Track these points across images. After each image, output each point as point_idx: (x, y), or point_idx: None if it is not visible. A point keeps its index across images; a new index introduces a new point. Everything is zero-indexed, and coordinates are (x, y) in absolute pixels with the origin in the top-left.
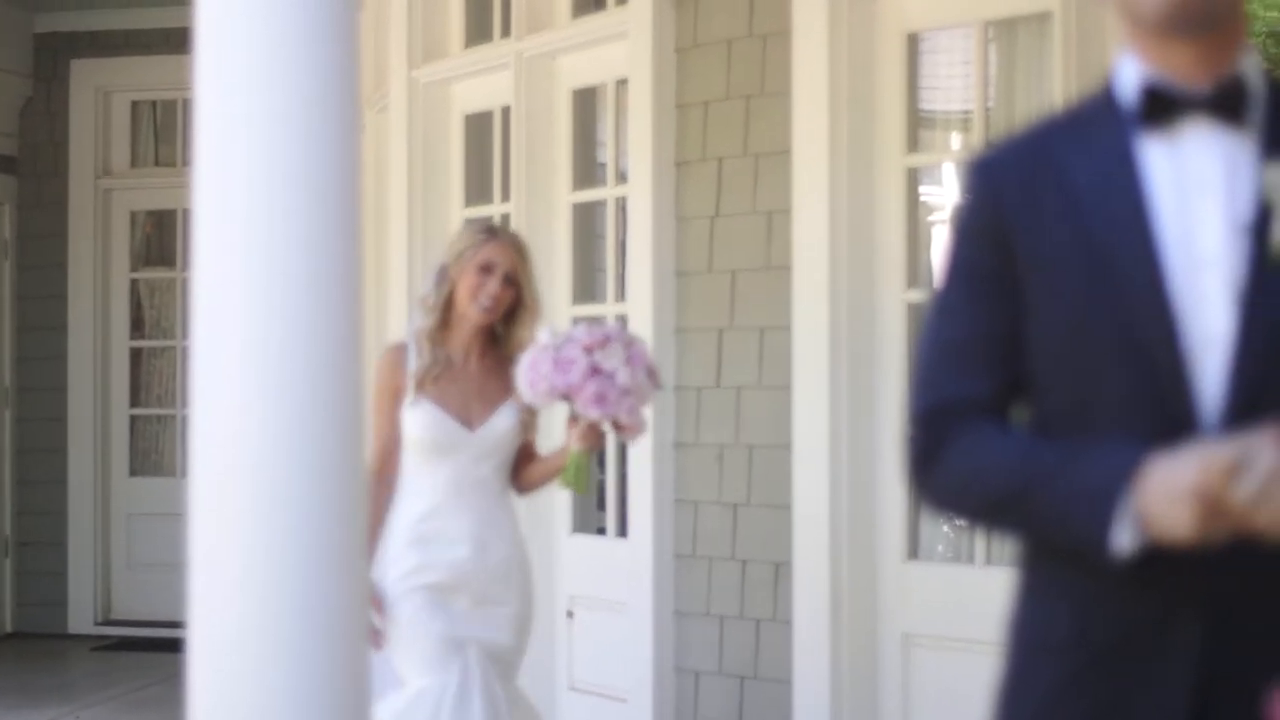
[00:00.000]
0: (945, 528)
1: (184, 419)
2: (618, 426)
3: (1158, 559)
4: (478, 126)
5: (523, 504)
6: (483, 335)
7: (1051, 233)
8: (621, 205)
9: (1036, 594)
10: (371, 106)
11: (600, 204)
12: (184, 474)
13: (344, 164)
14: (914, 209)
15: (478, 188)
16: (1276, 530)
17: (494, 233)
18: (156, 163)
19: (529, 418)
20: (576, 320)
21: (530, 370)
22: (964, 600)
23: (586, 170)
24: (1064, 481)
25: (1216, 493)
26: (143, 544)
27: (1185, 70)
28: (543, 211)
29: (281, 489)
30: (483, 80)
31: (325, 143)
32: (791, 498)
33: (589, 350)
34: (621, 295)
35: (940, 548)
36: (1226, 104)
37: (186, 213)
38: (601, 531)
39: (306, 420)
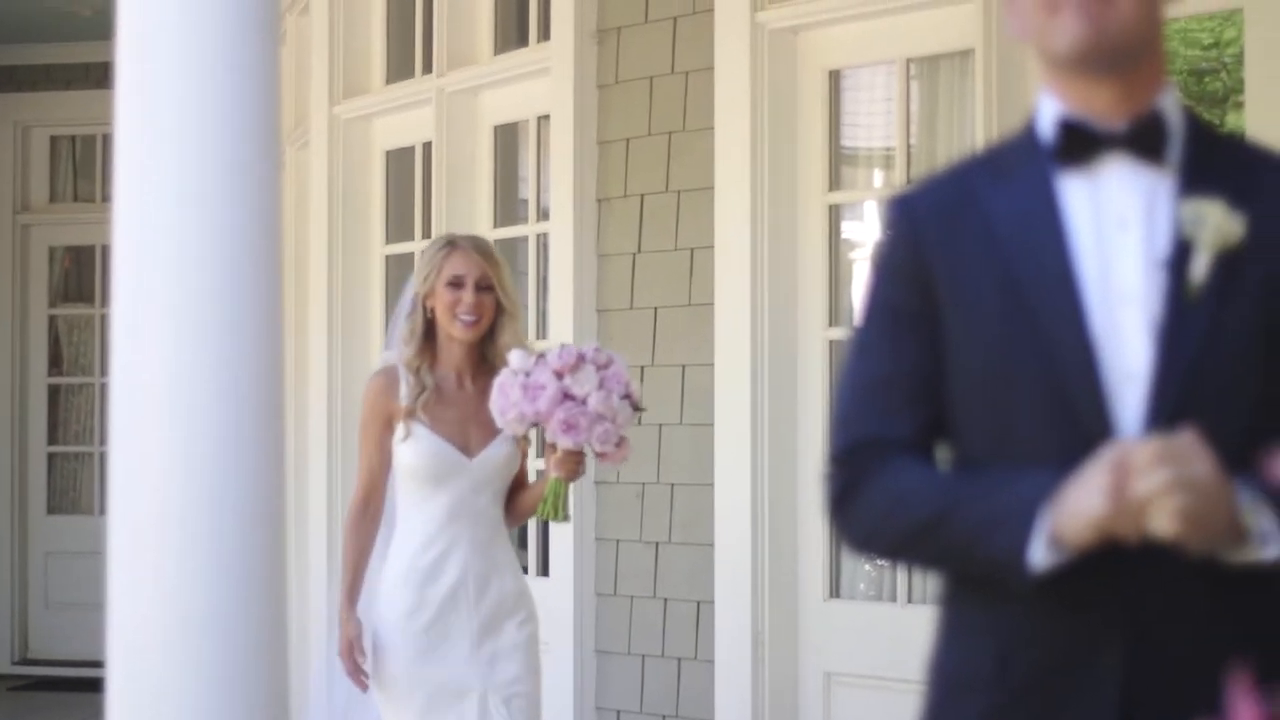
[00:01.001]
0: (866, 566)
1: (102, 456)
2: (599, 454)
3: (1075, 579)
4: (399, 162)
5: None
6: (474, 355)
7: (971, 270)
8: (543, 242)
9: (957, 631)
10: (292, 143)
11: (522, 240)
12: (103, 512)
13: (264, 200)
14: (835, 246)
15: (398, 224)
16: (1166, 533)
17: (454, 243)
18: (76, 198)
19: (522, 444)
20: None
21: (500, 396)
22: (886, 638)
23: (508, 206)
24: (980, 506)
25: (1124, 487)
26: (61, 583)
27: (1103, 108)
28: None
29: (203, 528)
30: (404, 116)
31: (246, 178)
32: (713, 536)
33: (559, 375)
34: (543, 332)
35: (862, 586)
36: (1144, 141)
37: (106, 248)
38: (523, 570)
39: (229, 458)
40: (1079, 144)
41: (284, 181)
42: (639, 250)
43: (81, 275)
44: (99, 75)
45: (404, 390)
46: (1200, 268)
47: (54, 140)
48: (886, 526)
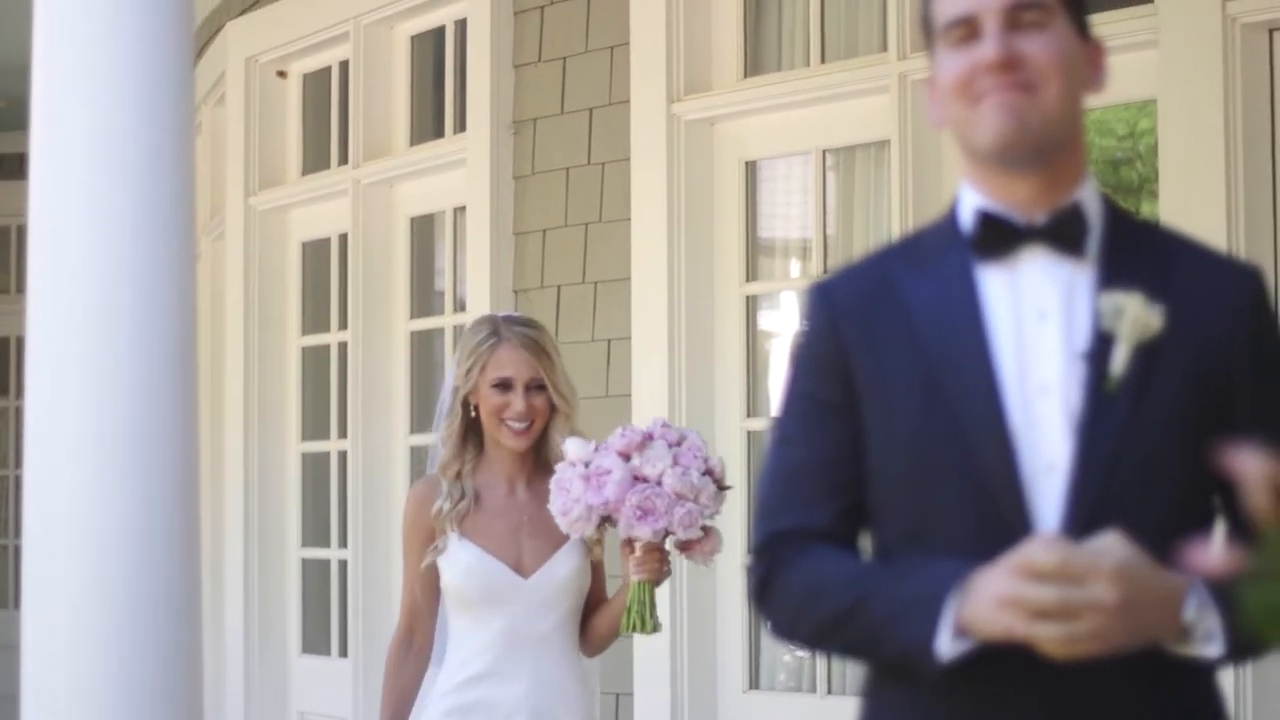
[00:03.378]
0: (786, 656)
1: (17, 549)
2: (683, 546)
3: (993, 668)
4: (315, 254)
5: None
6: (526, 457)
7: (890, 359)
8: (460, 334)
9: None
10: (207, 233)
11: (439, 332)
12: (18, 605)
13: (179, 293)
14: (753, 336)
15: (315, 315)
16: (1053, 647)
17: (498, 333)
18: None
19: (596, 554)
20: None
21: (560, 494)
22: None
23: (424, 298)
24: (892, 594)
25: (1027, 595)
26: None
27: (1023, 200)
28: (381, 339)
29: (116, 628)
30: (320, 207)
31: (161, 269)
32: None
33: (625, 456)
34: None
35: (782, 676)
36: (1064, 234)
37: (20, 340)
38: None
39: (142, 552)
40: (998, 236)
41: (200, 273)
42: (556, 341)
43: None
44: (13, 166)
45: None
46: (1120, 360)
47: None
48: (804, 617)
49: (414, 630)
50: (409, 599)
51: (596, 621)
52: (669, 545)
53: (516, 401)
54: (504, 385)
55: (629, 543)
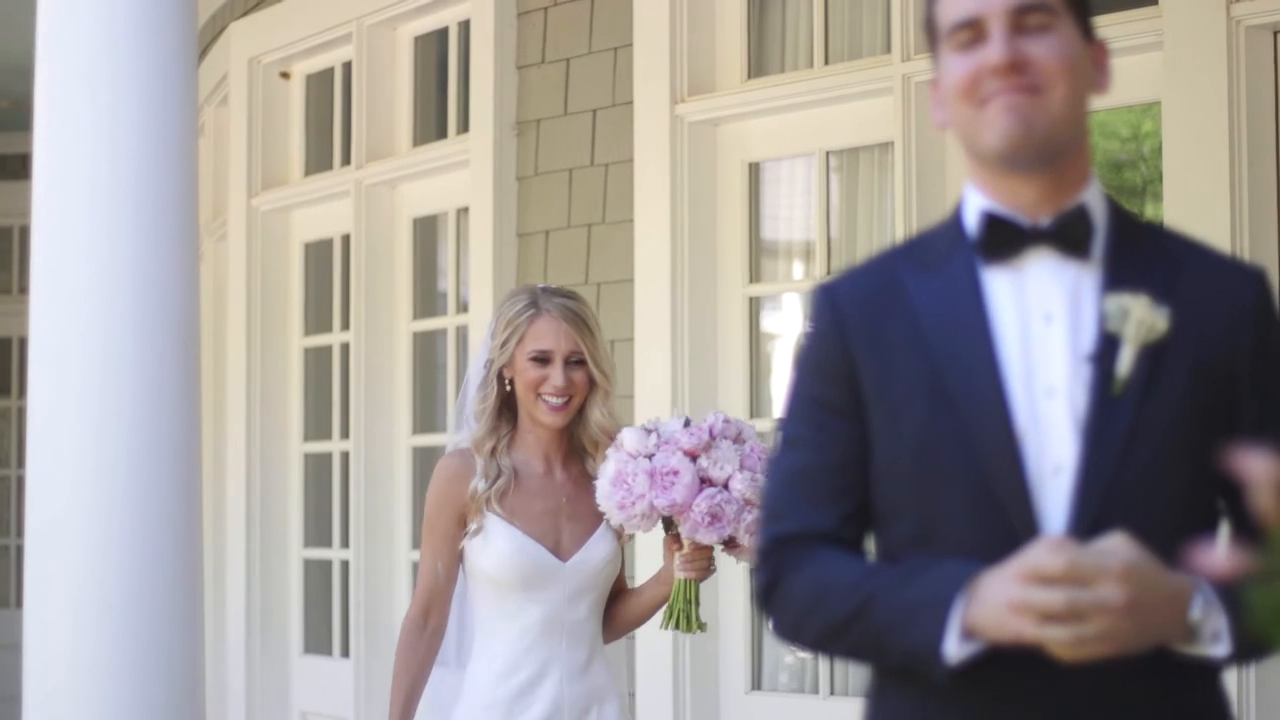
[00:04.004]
0: (789, 658)
1: (19, 549)
2: (729, 544)
3: (1000, 671)
4: (317, 255)
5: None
6: (563, 435)
7: (896, 361)
8: (463, 334)
9: None
10: (210, 234)
11: (441, 333)
12: (20, 605)
13: (183, 291)
14: (756, 338)
15: (317, 316)
16: (1066, 651)
17: (538, 306)
18: None
19: (623, 540)
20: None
21: (617, 487)
22: None
23: (427, 299)
24: (899, 597)
25: (1035, 599)
26: None
27: (1028, 202)
28: (383, 341)
29: (122, 627)
30: (323, 208)
31: (164, 270)
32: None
33: (692, 456)
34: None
35: (784, 678)
36: (1069, 236)
37: (23, 340)
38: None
39: (147, 550)
40: (1003, 239)
41: (202, 273)
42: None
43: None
44: (16, 167)
45: (480, 479)
46: (1125, 362)
47: None
48: (810, 620)
49: (430, 610)
50: (428, 577)
51: (621, 610)
52: (716, 543)
53: (555, 375)
54: (542, 358)
55: (676, 537)
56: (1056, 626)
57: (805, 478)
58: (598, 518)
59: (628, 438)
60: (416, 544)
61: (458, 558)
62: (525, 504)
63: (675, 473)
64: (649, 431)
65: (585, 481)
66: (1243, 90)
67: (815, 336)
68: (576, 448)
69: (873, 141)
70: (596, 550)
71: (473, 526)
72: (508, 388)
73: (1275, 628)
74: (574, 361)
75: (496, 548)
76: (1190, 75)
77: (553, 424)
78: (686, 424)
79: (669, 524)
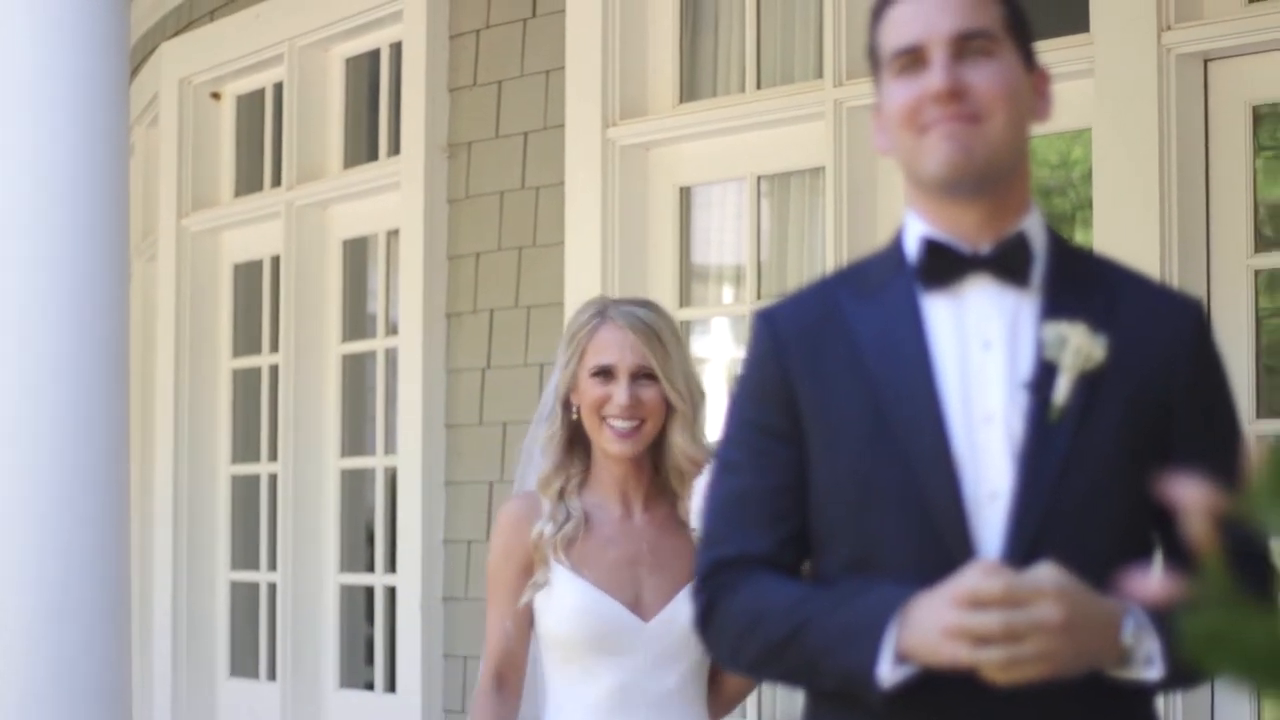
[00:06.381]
0: None
1: None
2: None
3: (936, 693)
4: (247, 276)
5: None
6: (643, 471)
7: (835, 387)
8: (392, 357)
9: None
10: (139, 254)
11: (370, 355)
12: None
13: (111, 312)
14: None
15: (246, 338)
16: (1002, 674)
17: (603, 314)
18: None
19: None
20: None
21: None
22: None
23: (357, 321)
24: (834, 621)
25: (970, 624)
26: None
27: (968, 229)
28: (312, 362)
29: (47, 636)
30: (253, 229)
31: (92, 289)
32: None
33: None
34: (391, 447)
35: None
36: (1008, 263)
37: None
38: (370, 686)
39: (72, 572)
40: (943, 265)
41: (131, 294)
42: (488, 365)
43: None
44: None
45: (547, 525)
46: (1062, 390)
47: None
48: (747, 643)
49: (504, 673)
50: (499, 639)
51: (730, 679)
52: None
53: (619, 394)
54: (605, 374)
55: None
56: (992, 649)
57: (743, 502)
58: (687, 571)
59: None
60: (344, 566)
61: (529, 614)
62: (597, 552)
63: None
64: None
65: (672, 526)
66: (1173, 118)
67: (754, 362)
68: (662, 487)
69: (804, 166)
70: (687, 608)
71: (538, 578)
72: (574, 415)
73: (1208, 655)
74: (643, 377)
75: (561, 603)
76: (1121, 102)
77: (621, 453)
78: None
79: None
